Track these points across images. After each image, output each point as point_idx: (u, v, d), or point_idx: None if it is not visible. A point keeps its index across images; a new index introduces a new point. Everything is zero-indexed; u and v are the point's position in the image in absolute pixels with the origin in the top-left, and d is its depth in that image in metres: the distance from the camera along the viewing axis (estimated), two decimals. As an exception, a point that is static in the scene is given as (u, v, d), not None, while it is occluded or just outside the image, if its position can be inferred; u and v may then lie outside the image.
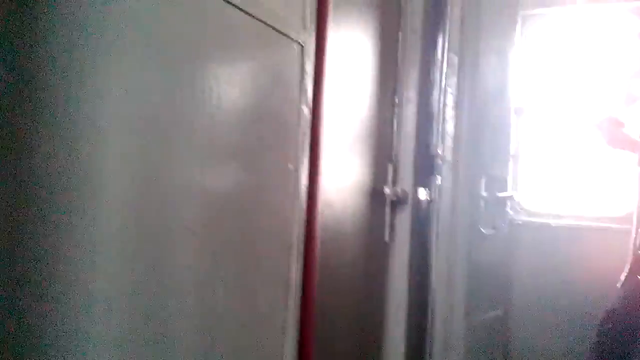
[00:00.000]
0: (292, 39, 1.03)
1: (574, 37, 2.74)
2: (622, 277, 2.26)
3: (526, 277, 2.68)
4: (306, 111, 1.07)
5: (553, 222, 2.67)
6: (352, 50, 1.49)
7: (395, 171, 1.92)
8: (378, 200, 1.85)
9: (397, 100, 1.91)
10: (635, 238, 2.23)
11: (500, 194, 2.09)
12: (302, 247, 1.09)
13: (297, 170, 1.05)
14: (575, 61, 2.73)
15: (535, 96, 2.79)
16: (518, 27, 2.69)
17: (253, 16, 0.92)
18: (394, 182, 1.92)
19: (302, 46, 1.05)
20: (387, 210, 1.88)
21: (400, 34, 1.87)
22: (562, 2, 2.66)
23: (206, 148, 0.83)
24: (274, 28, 0.98)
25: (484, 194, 2.01)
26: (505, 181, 2.18)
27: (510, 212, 2.71)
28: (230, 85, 0.88)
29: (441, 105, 2.00)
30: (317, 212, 1.19)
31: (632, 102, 2.26)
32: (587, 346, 2.36)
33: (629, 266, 2.24)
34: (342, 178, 1.53)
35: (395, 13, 1.84)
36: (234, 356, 0.94)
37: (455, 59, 1.93)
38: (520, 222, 2.71)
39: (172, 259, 0.77)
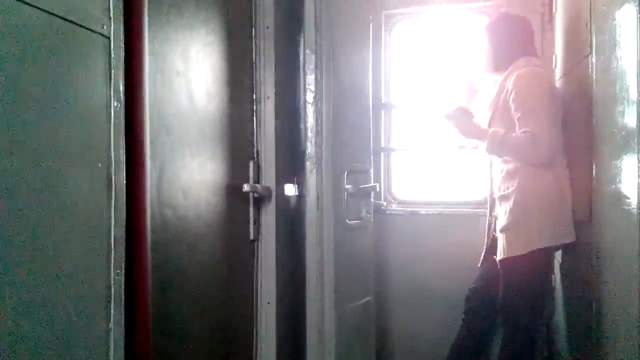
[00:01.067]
0: (94, 31, 0.97)
1: (433, 35, 2.93)
2: (482, 258, 2.45)
3: (399, 263, 2.81)
4: (117, 106, 1.01)
5: (422, 209, 2.83)
6: (191, 45, 1.45)
7: (258, 168, 1.92)
8: (241, 198, 1.83)
9: (255, 98, 1.90)
10: (490, 220, 2.42)
11: (364, 186, 2.16)
12: (122, 252, 1.03)
13: (109, 167, 1.00)
14: (434, 57, 2.92)
15: (401, 92, 2.94)
16: (382, 25, 2.82)
17: (47, 11, 0.87)
18: (257, 179, 1.91)
19: (108, 39, 1.00)
20: (251, 207, 1.87)
21: (253, 30, 1.87)
22: (420, 2, 2.82)
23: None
24: (72, 22, 0.92)
25: (348, 186, 2.07)
26: (369, 173, 2.26)
27: (383, 203, 2.84)
28: (24, 83, 0.82)
29: (303, 102, 2.03)
30: (145, 211, 1.14)
31: (473, 95, 2.44)
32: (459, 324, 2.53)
33: (486, 246, 2.43)
34: (191, 177, 1.48)
35: (247, 8, 1.83)
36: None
37: (313, 57, 1.97)
38: (391, 212, 2.84)
39: None
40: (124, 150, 1.04)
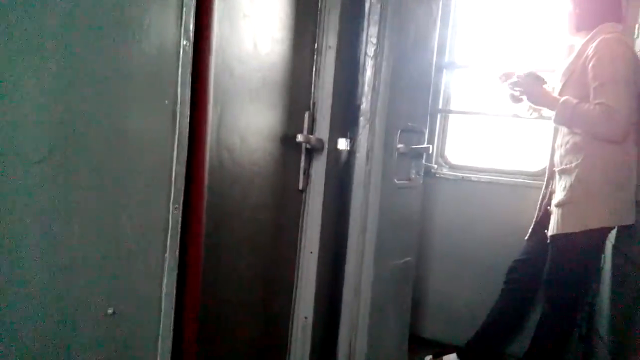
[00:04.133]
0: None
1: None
2: (530, 231, 2.40)
3: (445, 227, 2.79)
4: (187, 44, 1.02)
5: (473, 175, 2.76)
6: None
7: (313, 120, 1.91)
8: (294, 148, 1.85)
9: (317, 47, 1.87)
10: (545, 193, 2.34)
11: (416, 147, 2.12)
12: (181, 188, 1.07)
13: (175, 106, 1.02)
14: (507, 16, 2.75)
15: (467, 51, 2.82)
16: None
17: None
18: (311, 131, 1.91)
19: (181, -24, 1.00)
20: (302, 158, 1.88)
21: (320, -24, 1.82)
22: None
23: (62, 77, 0.79)
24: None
25: (399, 146, 2.04)
26: (423, 134, 2.21)
27: (433, 166, 2.79)
28: (97, 15, 0.84)
29: (363, 55, 1.98)
30: (204, 153, 1.17)
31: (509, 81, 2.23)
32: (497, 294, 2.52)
33: (536, 220, 2.37)
34: (248, 123, 1.50)
35: (315, -46, 1.78)
36: (98, 298, 0.94)
37: (378, 7, 1.90)
38: (442, 176, 2.79)
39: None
40: (190, 90, 1.06)
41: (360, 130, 2.00)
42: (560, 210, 2.09)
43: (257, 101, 1.53)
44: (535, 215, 2.37)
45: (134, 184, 0.97)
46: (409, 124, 2.11)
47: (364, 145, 1.99)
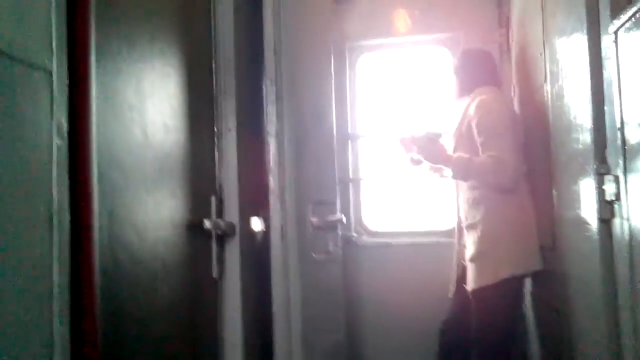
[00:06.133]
0: (35, 66, 0.92)
1: (397, 65, 2.98)
2: (451, 287, 2.42)
3: (372, 295, 2.75)
4: (60, 143, 0.95)
5: (393, 240, 2.80)
6: (146, 78, 1.40)
7: (221, 203, 1.86)
8: (203, 235, 1.76)
9: (216, 130, 1.86)
10: (459, 249, 2.40)
11: (330, 218, 2.12)
12: (67, 301, 0.96)
13: (51, 211, 0.93)
14: (399, 86, 2.96)
15: (367, 122, 2.96)
16: (345, 56, 2.85)
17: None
18: (220, 214, 1.85)
19: (50, 73, 0.94)
20: (213, 244, 1.80)
21: (213, 61, 1.84)
22: (382, 34, 2.87)
23: None
24: (9, 56, 0.87)
25: (313, 219, 2.03)
26: (335, 205, 2.23)
27: (353, 234, 2.80)
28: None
29: (266, 134, 2.00)
30: (93, 257, 1.07)
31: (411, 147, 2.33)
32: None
33: (457, 276, 2.41)
34: (147, 215, 1.41)
35: (205, 39, 1.81)
36: None
37: (274, 88, 1.95)
38: (362, 244, 2.80)
39: None
40: (68, 190, 0.97)
41: (272, 207, 1.97)
42: (473, 265, 2.15)
43: (155, 191, 1.46)
44: (454, 271, 2.42)
45: (7, 301, 0.85)
46: (320, 196, 2.12)
47: (277, 223, 1.95)
